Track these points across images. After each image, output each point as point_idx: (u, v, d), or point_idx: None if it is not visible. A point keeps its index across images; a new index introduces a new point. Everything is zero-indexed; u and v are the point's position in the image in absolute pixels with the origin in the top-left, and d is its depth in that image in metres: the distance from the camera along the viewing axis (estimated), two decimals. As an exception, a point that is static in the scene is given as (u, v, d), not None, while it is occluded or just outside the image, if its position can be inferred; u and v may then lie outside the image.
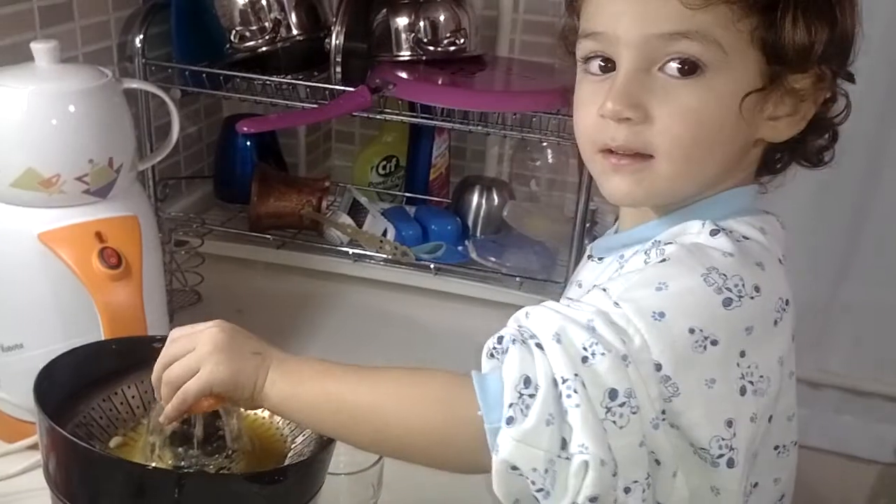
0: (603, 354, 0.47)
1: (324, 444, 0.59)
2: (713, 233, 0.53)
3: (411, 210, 1.25)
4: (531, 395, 0.47)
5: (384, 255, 1.15)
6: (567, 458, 0.47)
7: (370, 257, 1.16)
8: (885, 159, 1.21)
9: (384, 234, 1.17)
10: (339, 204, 1.23)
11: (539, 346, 0.49)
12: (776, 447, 0.57)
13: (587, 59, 0.56)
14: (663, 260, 0.52)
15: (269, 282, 1.17)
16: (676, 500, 0.52)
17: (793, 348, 0.55)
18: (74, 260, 0.75)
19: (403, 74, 1.11)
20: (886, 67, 1.17)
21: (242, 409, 0.62)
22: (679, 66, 0.52)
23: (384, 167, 1.36)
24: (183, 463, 0.59)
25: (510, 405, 0.47)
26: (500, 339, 0.50)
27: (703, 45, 0.51)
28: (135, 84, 0.92)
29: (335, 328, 1.08)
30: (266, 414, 0.66)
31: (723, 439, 0.50)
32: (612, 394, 0.47)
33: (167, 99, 0.90)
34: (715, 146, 0.53)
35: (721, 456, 0.50)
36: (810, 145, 0.57)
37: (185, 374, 0.55)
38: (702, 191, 0.56)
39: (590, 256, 0.65)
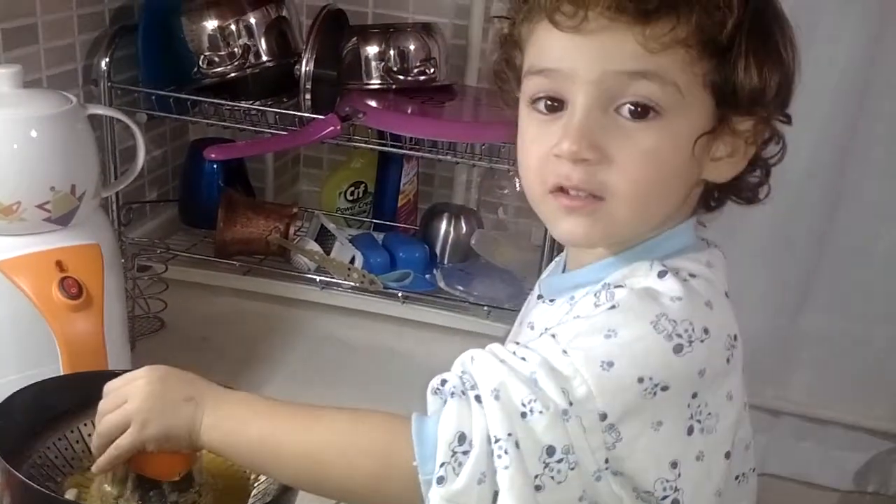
0: (541, 413, 0.48)
1: (288, 485, 0.58)
2: (661, 274, 0.54)
3: (379, 237, 1.25)
4: (465, 453, 0.48)
5: (352, 283, 1.14)
6: None
7: (338, 285, 1.15)
8: (844, 191, 1.24)
9: (352, 261, 1.17)
10: (307, 230, 1.22)
11: (478, 398, 0.49)
12: (736, 477, 0.58)
13: (536, 97, 0.54)
14: (613, 306, 0.52)
15: (234, 308, 1.16)
16: None
17: (743, 380, 0.56)
18: (33, 290, 0.73)
19: (373, 103, 1.11)
20: (846, 96, 1.20)
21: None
22: (633, 108, 0.51)
23: (352, 193, 1.36)
24: None
25: (442, 464, 0.48)
26: (444, 383, 0.51)
27: (661, 86, 0.51)
28: (100, 110, 0.91)
29: (302, 356, 1.07)
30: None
31: (667, 481, 0.50)
32: (550, 450, 0.48)
33: (133, 126, 0.89)
34: (670, 189, 0.54)
35: (665, 498, 0.50)
36: (744, 183, 0.58)
37: (115, 430, 0.55)
38: (651, 230, 0.57)
39: (540, 297, 0.64)
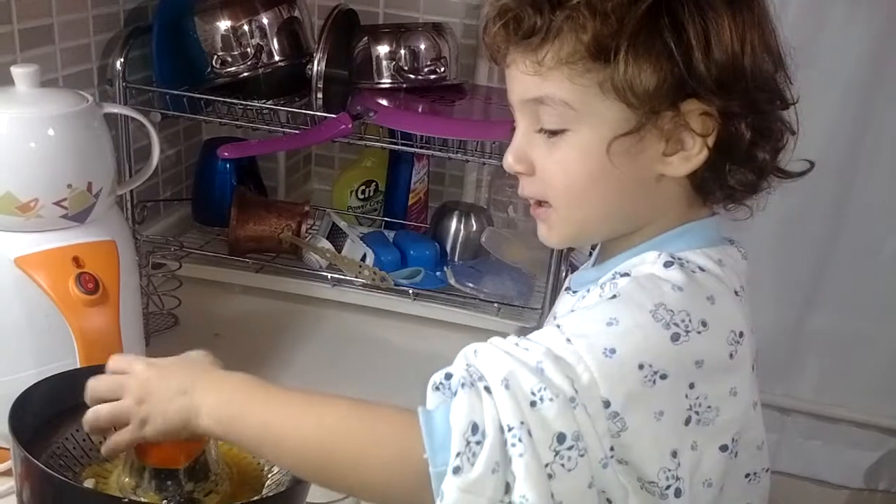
0: (551, 400, 0.49)
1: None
2: (667, 264, 0.55)
3: (390, 235, 1.26)
4: (478, 443, 0.48)
5: (363, 280, 1.15)
6: (510, 503, 0.48)
7: (349, 282, 1.16)
8: (852, 190, 1.24)
9: (363, 258, 1.18)
10: (319, 228, 1.23)
11: (487, 389, 0.50)
12: (747, 475, 0.58)
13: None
14: (614, 296, 0.54)
15: (247, 305, 1.17)
16: None
17: (754, 379, 0.56)
18: (51, 285, 0.74)
19: (384, 102, 1.12)
20: (854, 98, 1.20)
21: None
22: (544, 131, 0.57)
23: (363, 191, 1.37)
24: (169, 499, 0.59)
25: (457, 454, 0.48)
26: (448, 376, 0.51)
27: (553, 108, 0.56)
28: (115, 109, 0.92)
29: (313, 353, 1.08)
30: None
31: (669, 470, 0.52)
32: (560, 437, 0.49)
33: (148, 125, 0.90)
34: (591, 191, 0.57)
35: (668, 487, 0.52)
36: (733, 178, 0.57)
37: (112, 422, 0.56)
38: (624, 227, 0.59)
39: (567, 289, 0.66)
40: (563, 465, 0.48)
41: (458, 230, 1.24)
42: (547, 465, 0.48)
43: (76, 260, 0.76)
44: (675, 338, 0.51)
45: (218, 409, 0.55)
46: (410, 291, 1.15)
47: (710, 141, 0.54)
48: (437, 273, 1.19)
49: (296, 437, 0.54)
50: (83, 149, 0.79)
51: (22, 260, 0.75)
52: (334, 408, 0.55)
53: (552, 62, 0.54)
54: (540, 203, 0.60)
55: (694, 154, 0.55)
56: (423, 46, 1.14)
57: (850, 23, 1.18)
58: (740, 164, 0.56)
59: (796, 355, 1.34)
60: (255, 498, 0.60)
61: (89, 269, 0.75)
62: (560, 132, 0.56)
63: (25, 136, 0.76)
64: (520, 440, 0.48)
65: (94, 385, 0.58)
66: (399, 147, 1.15)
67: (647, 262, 0.56)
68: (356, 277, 1.15)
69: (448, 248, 1.24)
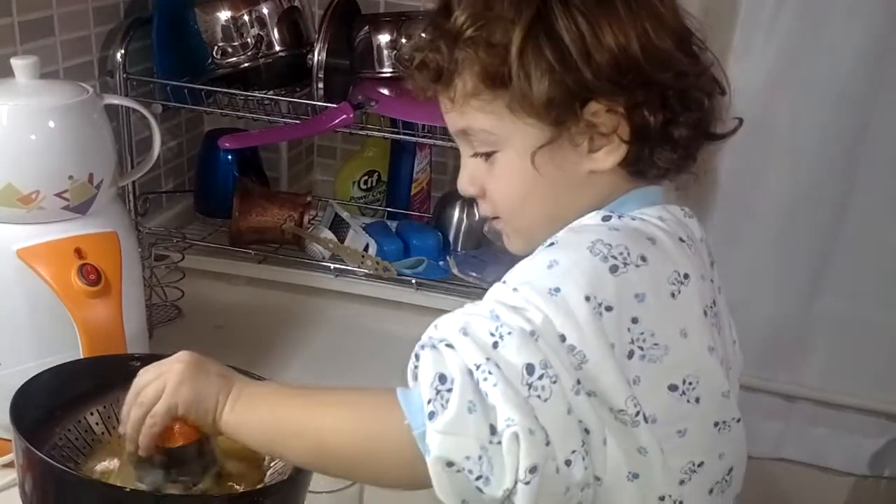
0: (510, 334, 0.50)
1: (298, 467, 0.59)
2: (605, 218, 0.58)
3: (393, 225, 1.26)
4: (448, 390, 0.50)
5: (366, 271, 1.15)
6: (498, 443, 0.49)
7: (352, 272, 1.16)
8: (859, 174, 1.24)
9: (366, 249, 1.18)
10: (321, 219, 1.23)
11: (448, 345, 0.52)
12: (716, 423, 0.59)
13: None
14: (552, 244, 0.56)
15: (250, 297, 1.17)
16: (612, 467, 0.54)
17: (708, 325, 0.57)
18: (53, 277, 0.74)
19: (386, 91, 1.12)
20: (859, 84, 1.19)
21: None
22: (479, 154, 0.61)
23: (366, 182, 1.36)
24: (173, 488, 0.59)
25: (429, 401, 0.50)
26: (417, 356, 0.53)
27: (476, 136, 0.60)
28: (115, 100, 0.92)
29: (316, 343, 1.08)
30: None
31: (634, 397, 0.53)
32: (529, 369, 0.50)
33: (149, 116, 0.90)
34: (528, 202, 0.61)
35: (638, 413, 0.53)
36: (659, 158, 0.59)
37: (154, 396, 0.58)
38: (563, 222, 0.60)
39: None
40: (539, 397, 0.50)
41: (460, 220, 1.24)
42: (524, 401, 0.50)
43: (78, 251, 0.76)
44: (613, 269, 0.53)
45: (237, 405, 0.57)
46: (413, 281, 1.15)
47: (624, 134, 0.57)
48: (440, 263, 1.19)
49: (295, 426, 0.57)
50: (84, 140, 0.79)
51: (24, 252, 0.75)
52: (332, 394, 0.58)
53: (462, 97, 0.58)
54: (495, 217, 0.64)
55: (614, 148, 0.58)
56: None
57: (854, 10, 1.17)
58: (661, 146, 0.59)
59: (801, 342, 1.34)
60: (259, 486, 0.60)
61: (91, 261, 0.76)
62: (491, 154, 0.60)
63: (26, 128, 0.76)
64: (490, 373, 0.49)
65: (138, 381, 0.59)
66: (401, 136, 1.15)
67: (586, 219, 0.59)
68: (359, 268, 1.15)
69: (451, 238, 1.23)
